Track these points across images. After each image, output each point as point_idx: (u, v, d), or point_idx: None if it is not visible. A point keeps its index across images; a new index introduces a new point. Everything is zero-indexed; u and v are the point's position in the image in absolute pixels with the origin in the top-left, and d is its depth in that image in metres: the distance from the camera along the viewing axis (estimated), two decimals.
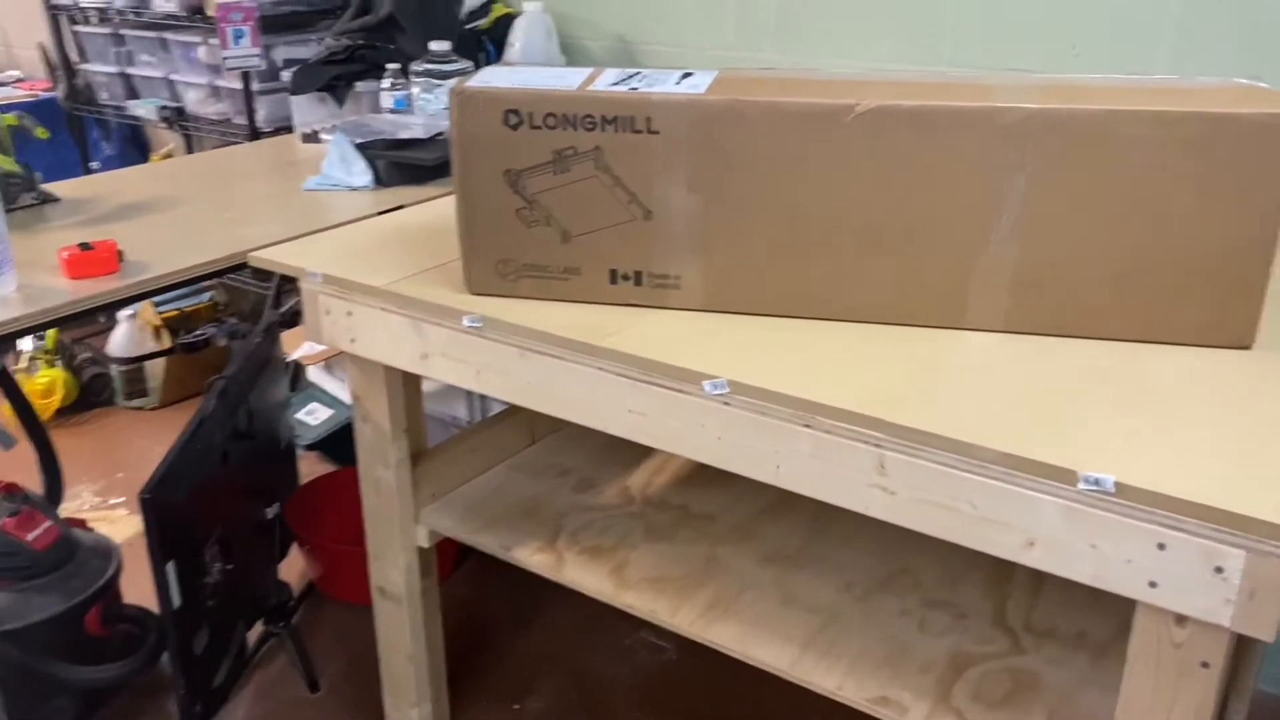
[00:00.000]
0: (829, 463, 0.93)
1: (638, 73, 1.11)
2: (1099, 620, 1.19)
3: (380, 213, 1.51)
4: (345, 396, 2.16)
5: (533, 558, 1.32)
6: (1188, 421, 0.88)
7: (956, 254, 1.03)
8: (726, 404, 0.98)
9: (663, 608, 1.22)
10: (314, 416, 2.13)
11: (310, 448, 2.18)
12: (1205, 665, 0.84)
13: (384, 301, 1.20)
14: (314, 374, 2.21)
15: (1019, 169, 0.99)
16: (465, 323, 1.14)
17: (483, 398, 1.97)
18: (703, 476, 1.48)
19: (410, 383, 1.35)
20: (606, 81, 1.09)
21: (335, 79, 1.92)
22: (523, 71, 1.14)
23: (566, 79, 1.10)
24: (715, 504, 1.41)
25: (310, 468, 2.18)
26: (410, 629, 1.44)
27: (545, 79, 1.10)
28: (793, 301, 1.09)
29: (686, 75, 1.09)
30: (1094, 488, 0.81)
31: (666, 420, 1.02)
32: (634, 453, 1.55)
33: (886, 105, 0.99)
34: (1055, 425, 0.88)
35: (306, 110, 1.96)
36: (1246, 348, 1.01)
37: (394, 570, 1.41)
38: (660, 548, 1.32)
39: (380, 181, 1.68)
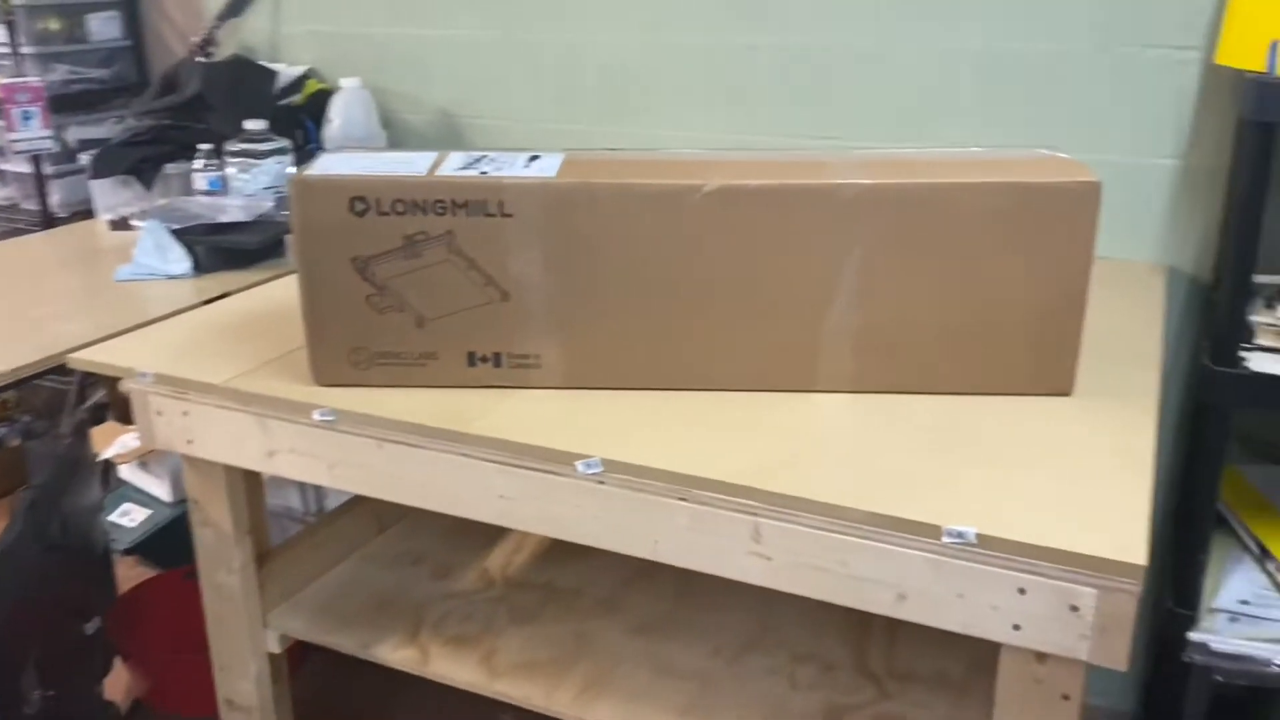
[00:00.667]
0: (706, 534, 0.95)
1: (484, 155, 1.11)
2: (953, 660, 1.26)
3: (205, 302, 1.44)
4: (163, 494, 2.03)
5: (395, 654, 1.27)
6: (1028, 469, 0.95)
7: (804, 322, 1.08)
8: (601, 483, 0.98)
9: (537, 693, 1.20)
10: (130, 518, 1.99)
11: (128, 552, 2.02)
12: (1066, 697, 0.90)
13: (224, 399, 1.14)
14: (127, 472, 2.06)
15: (856, 241, 1.05)
16: (316, 416, 1.10)
17: (318, 486, 1.89)
18: (562, 551, 1.47)
19: (252, 481, 1.28)
20: (454, 165, 1.09)
21: (142, 161, 1.82)
22: (365, 158, 1.12)
23: (412, 164, 1.09)
24: (579, 578, 1.41)
25: (128, 572, 2.02)
26: None
27: (390, 165, 1.09)
28: (653, 374, 1.11)
29: (534, 158, 1.10)
30: (958, 540, 0.86)
31: (539, 503, 1.02)
32: (488, 533, 1.53)
33: (732, 185, 1.04)
34: (912, 481, 0.93)
35: (110, 194, 1.85)
36: (1067, 394, 1.09)
37: (243, 681, 1.33)
38: (528, 630, 1.30)
39: (200, 268, 1.61)
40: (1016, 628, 0.87)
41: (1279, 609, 1.28)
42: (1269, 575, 1.33)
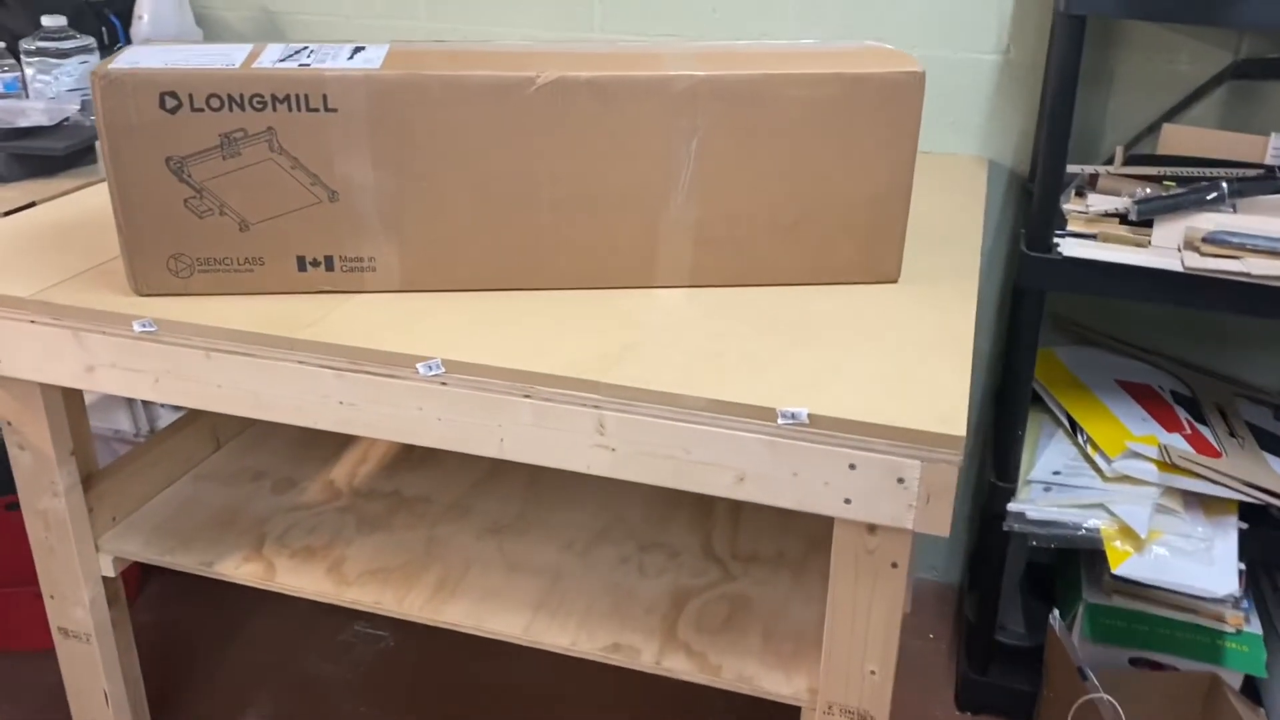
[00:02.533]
0: (552, 429, 0.96)
1: (305, 47, 1.06)
2: (792, 540, 1.31)
3: (7, 213, 1.34)
4: None
5: (239, 570, 1.24)
6: (857, 352, 0.99)
7: (642, 216, 1.08)
8: (443, 384, 0.97)
9: (389, 598, 1.20)
10: None
11: None
12: (894, 565, 0.96)
13: (33, 313, 1.07)
14: None
15: (691, 133, 1.05)
16: (136, 328, 1.04)
17: (148, 405, 1.81)
18: (410, 459, 1.46)
19: (72, 398, 1.22)
20: (272, 58, 1.03)
21: None
22: (174, 50, 1.05)
23: (227, 56, 1.03)
24: (427, 485, 1.40)
25: None
26: (104, 667, 1.31)
27: (203, 57, 1.02)
28: (492, 275, 1.09)
29: (358, 49, 1.05)
30: (791, 421, 0.89)
31: (380, 408, 1.00)
32: (332, 445, 1.50)
33: (567, 76, 1.02)
34: (749, 368, 0.95)
35: None
36: (893, 282, 1.14)
37: (78, 608, 1.28)
38: (377, 538, 1.29)
39: (1, 178, 1.48)
40: (848, 502, 0.91)
41: (1087, 477, 1.38)
42: (1079, 447, 1.44)
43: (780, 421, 0.89)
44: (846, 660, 1.01)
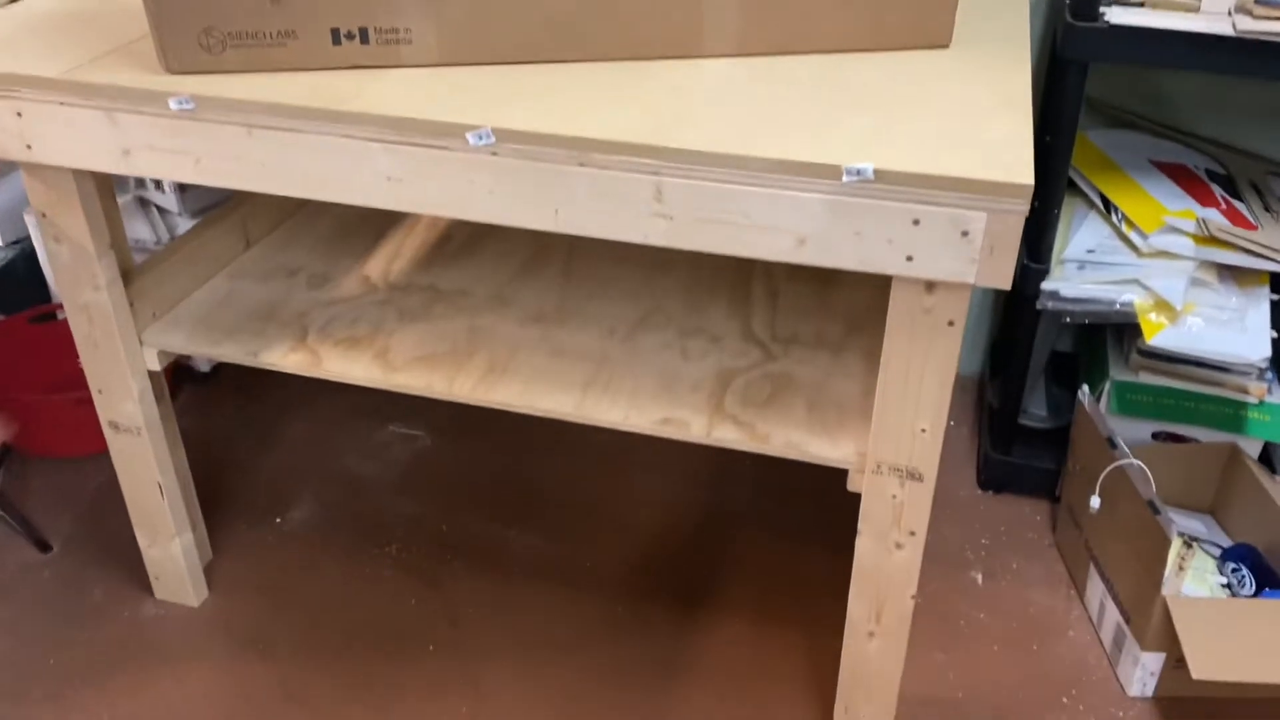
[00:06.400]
0: (608, 199, 0.95)
1: None
2: (831, 323, 1.33)
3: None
4: None
5: (285, 359, 1.25)
6: (916, 113, 0.97)
7: None
8: (494, 154, 0.95)
9: (438, 381, 1.21)
10: None
11: None
12: (951, 324, 0.97)
13: (64, 94, 1.04)
14: None
15: None
16: (173, 105, 1.01)
17: (165, 214, 1.78)
18: (443, 254, 1.45)
19: (105, 190, 1.19)
20: None
21: None
22: None
23: None
24: (464, 279, 1.40)
25: None
26: (156, 458, 1.34)
27: None
28: (531, 46, 1.06)
29: None
30: (856, 178, 0.89)
31: (429, 182, 0.98)
32: (363, 241, 1.49)
33: None
34: (808, 131, 0.94)
35: None
36: (945, 46, 1.11)
37: (127, 402, 1.29)
38: (419, 328, 1.30)
39: None
40: (910, 259, 0.91)
41: (1122, 254, 1.39)
42: (1113, 226, 1.44)
43: (845, 179, 0.89)
44: (898, 419, 1.03)
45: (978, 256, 0.89)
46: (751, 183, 0.91)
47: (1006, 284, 0.90)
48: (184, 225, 1.78)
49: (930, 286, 0.95)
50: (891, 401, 1.02)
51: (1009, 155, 0.89)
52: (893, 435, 1.04)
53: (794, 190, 0.91)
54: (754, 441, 1.13)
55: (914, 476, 1.06)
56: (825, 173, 0.89)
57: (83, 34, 1.14)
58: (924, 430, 1.03)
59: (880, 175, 0.88)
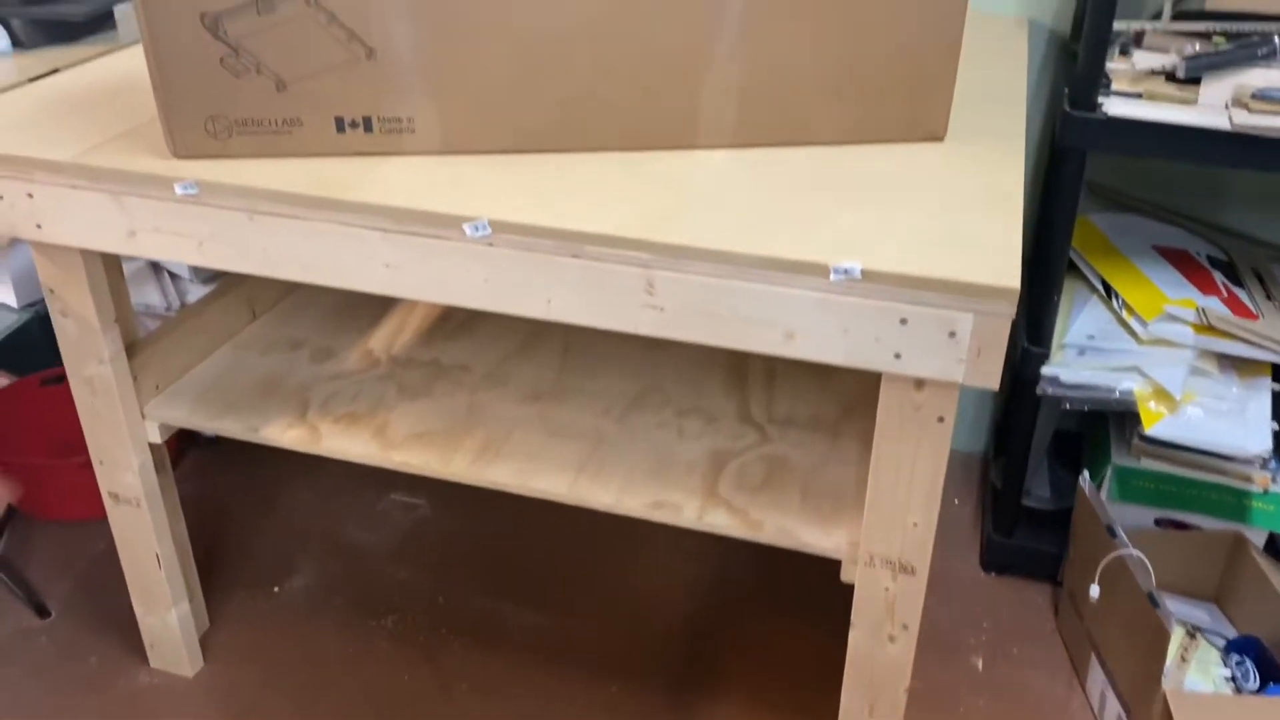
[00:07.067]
0: (600, 289, 0.96)
1: None
2: (827, 405, 1.33)
3: (31, 80, 1.31)
4: (8, 299, 1.90)
5: (285, 435, 1.26)
6: (907, 209, 0.98)
7: (686, 76, 1.06)
8: (490, 245, 0.97)
9: (434, 460, 1.22)
10: None
11: None
12: (941, 420, 0.97)
13: (73, 177, 1.06)
14: None
15: None
16: (179, 190, 1.03)
17: (176, 279, 1.81)
18: (446, 328, 1.47)
19: (112, 266, 1.22)
20: None
21: None
22: None
23: None
24: (465, 354, 1.41)
25: None
26: (155, 529, 1.34)
27: None
28: (532, 136, 1.08)
29: None
30: (844, 277, 0.89)
31: (426, 270, 1.00)
32: (368, 315, 1.50)
33: None
34: (798, 226, 0.95)
35: None
36: (940, 140, 1.12)
37: (127, 473, 1.30)
38: (419, 404, 1.31)
39: (19, 44, 1.45)
40: (898, 356, 0.91)
41: (1122, 341, 1.39)
42: (1114, 312, 1.44)
43: (833, 277, 0.89)
44: (890, 513, 1.03)
45: (965, 357, 0.89)
46: (741, 278, 0.92)
47: (994, 384, 0.90)
48: (195, 291, 1.81)
49: (919, 383, 0.95)
50: (883, 495, 1.02)
51: (998, 257, 0.89)
52: (884, 528, 1.04)
53: (782, 286, 0.91)
54: (746, 528, 1.13)
55: (906, 570, 1.05)
56: (813, 270, 0.90)
57: (98, 114, 1.17)
58: (916, 524, 1.03)
59: (867, 275, 0.89)
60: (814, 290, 0.91)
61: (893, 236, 0.93)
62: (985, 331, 0.88)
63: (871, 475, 1.02)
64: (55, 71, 1.34)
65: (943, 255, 0.90)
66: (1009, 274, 0.87)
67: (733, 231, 0.94)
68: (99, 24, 1.49)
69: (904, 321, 0.90)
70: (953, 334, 0.89)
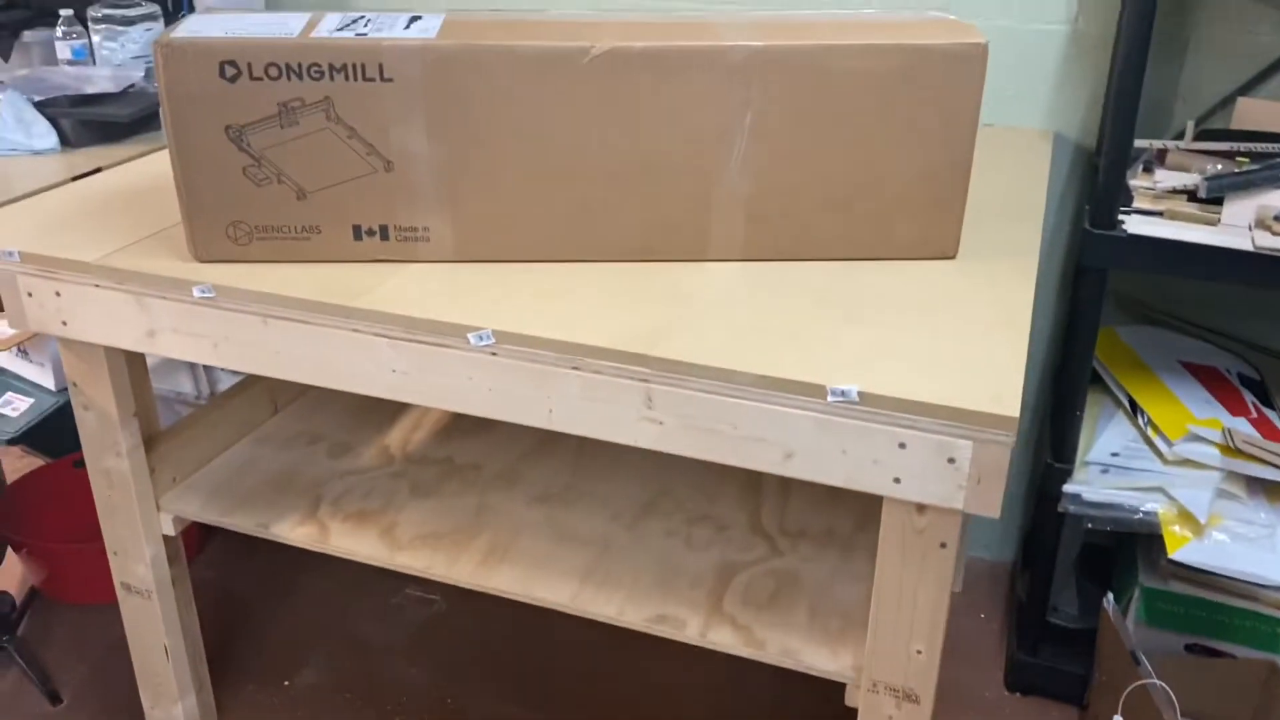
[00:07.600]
0: (599, 402, 0.96)
1: (361, 17, 1.06)
2: (841, 517, 1.31)
3: (75, 178, 1.37)
4: (46, 381, 1.95)
5: (294, 532, 1.27)
6: (910, 330, 0.97)
7: (696, 189, 1.07)
8: (494, 355, 0.98)
9: (439, 562, 1.21)
10: (12, 408, 1.91)
11: (12, 442, 1.96)
12: (943, 545, 0.95)
13: (98, 277, 1.10)
14: (6, 361, 1.97)
15: (746, 105, 1.04)
16: (196, 293, 1.06)
17: (208, 369, 1.84)
18: (462, 427, 1.48)
19: (135, 361, 1.25)
20: (329, 27, 1.03)
21: None
22: (233, 19, 1.06)
23: (286, 25, 1.03)
24: (479, 453, 1.41)
25: (15, 463, 1.97)
26: (165, 622, 1.35)
27: (261, 26, 1.03)
28: (544, 246, 1.09)
29: (414, 19, 1.05)
30: (841, 399, 0.89)
31: (432, 377, 1.01)
32: (386, 412, 1.52)
33: (620, 47, 1.01)
34: (800, 344, 0.94)
35: None
36: (951, 258, 1.12)
37: (139, 565, 1.31)
38: (429, 504, 1.31)
39: (67, 143, 1.52)
40: (897, 481, 0.90)
41: (1146, 459, 1.36)
42: (1139, 429, 1.41)
43: (830, 399, 0.89)
44: (893, 639, 1.00)
45: (965, 483, 0.88)
46: (740, 395, 0.92)
47: (995, 512, 0.88)
48: (226, 379, 1.84)
49: (921, 508, 0.93)
50: (886, 621, 1.00)
51: (999, 383, 0.88)
52: (888, 655, 1.01)
53: (781, 406, 0.91)
54: (750, 647, 1.11)
55: (910, 698, 1.02)
56: (811, 391, 0.89)
57: (130, 215, 1.20)
58: (919, 651, 1.00)
59: (865, 398, 0.88)
60: (813, 411, 0.90)
61: (894, 357, 0.92)
62: (985, 459, 0.86)
63: (874, 600, 0.99)
64: (98, 170, 1.40)
65: (943, 379, 0.89)
66: (1009, 401, 0.85)
67: (734, 347, 0.94)
68: (143, 124, 1.55)
69: (903, 445, 0.88)
70: (952, 460, 0.87)
